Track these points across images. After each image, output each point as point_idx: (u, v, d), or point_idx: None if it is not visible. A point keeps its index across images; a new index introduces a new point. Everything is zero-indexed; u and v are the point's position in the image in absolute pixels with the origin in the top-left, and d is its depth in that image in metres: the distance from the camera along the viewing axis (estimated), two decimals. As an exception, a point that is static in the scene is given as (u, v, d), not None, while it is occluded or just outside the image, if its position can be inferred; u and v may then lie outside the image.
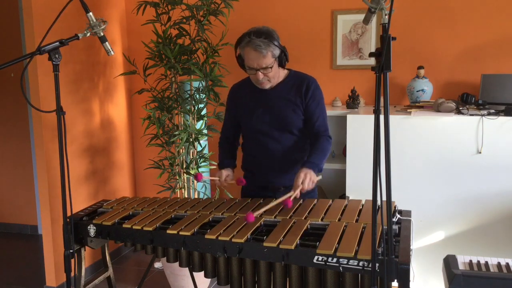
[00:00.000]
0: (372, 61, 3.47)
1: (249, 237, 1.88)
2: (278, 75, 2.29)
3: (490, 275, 1.80)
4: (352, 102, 3.37)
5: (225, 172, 2.37)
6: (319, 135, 2.32)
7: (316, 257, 1.72)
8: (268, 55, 2.16)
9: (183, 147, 3.32)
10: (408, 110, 3.12)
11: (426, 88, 3.29)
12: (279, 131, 2.34)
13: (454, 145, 2.91)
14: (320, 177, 2.24)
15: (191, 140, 3.32)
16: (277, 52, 2.19)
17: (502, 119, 2.82)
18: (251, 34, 2.15)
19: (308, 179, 2.13)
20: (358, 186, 3.10)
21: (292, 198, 2.09)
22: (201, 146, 3.47)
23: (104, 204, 2.47)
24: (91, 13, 1.95)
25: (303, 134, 2.38)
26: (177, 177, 3.38)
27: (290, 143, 2.35)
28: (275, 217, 2.07)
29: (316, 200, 2.28)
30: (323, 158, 2.27)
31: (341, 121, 3.47)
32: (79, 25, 3.36)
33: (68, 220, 2.06)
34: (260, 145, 2.38)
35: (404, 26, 3.42)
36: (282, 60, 2.24)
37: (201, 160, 3.42)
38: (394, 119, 2.98)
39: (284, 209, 2.12)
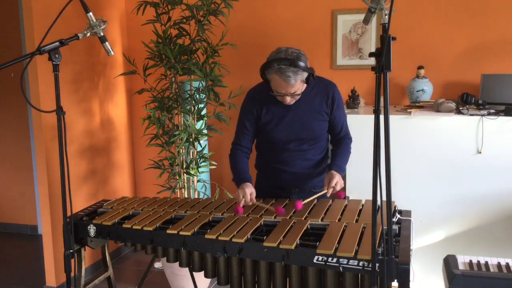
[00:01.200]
0: (372, 61, 3.47)
1: (249, 237, 1.88)
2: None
3: (490, 275, 1.80)
4: (352, 102, 3.37)
5: (249, 190, 2.19)
6: (342, 139, 2.39)
7: (316, 257, 1.72)
8: (297, 82, 2.13)
9: (183, 147, 3.32)
10: (408, 110, 3.12)
11: (426, 88, 3.29)
12: (302, 141, 2.32)
13: (454, 145, 2.91)
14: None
15: (191, 140, 3.32)
16: (305, 76, 2.16)
17: (502, 119, 2.82)
18: (280, 62, 2.08)
19: (339, 184, 2.19)
20: (358, 186, 3.10)
21: (328, 194, 2.18)
22: (201, 146, 3.47)
23: (104, 204, 2.47)
24: (91, 13, 1.95)
25: (323, 140, 2.39)
26: (177, 177, 3.38)
27: (309, 150, 2.34)
28: (275, 217, 2.07)
29: (316, 200, 2.28)
30: (346, 160, 2.35)
31: (341, 121, 3.47)
32: (79, 25, 3.35)
33: (68, 220, 2.06)
34: (278, 153, 2.35)
35: (404, 26, 3.42)
36: (308, 80, 2.19)
37: (201, 160, 3.42)
38: (394, 119, 2.98)
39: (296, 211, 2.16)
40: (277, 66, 2.09)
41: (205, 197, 3.54)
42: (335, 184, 2.17)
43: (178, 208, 2.31)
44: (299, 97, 2.23)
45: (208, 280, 3.46)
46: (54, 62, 1.90)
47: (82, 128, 3.59)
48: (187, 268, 2.10)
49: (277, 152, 2.36)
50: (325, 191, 2.18)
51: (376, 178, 1.46)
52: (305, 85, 2.21)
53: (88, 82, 3.64)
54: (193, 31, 3.31)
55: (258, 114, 2.33)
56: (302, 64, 2.10)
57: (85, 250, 2.36)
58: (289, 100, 2.20)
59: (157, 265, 3.81)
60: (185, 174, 3.38)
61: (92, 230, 2.22)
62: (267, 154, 2.42)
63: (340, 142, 2.39)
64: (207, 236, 1.92)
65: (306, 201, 2.20)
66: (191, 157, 3.41)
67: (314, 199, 2.24)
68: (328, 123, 2.35)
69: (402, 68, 3.43)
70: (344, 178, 3.13)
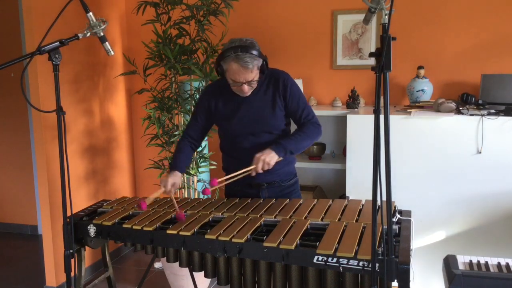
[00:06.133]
0: (372, 61, 3.47)
1: (249, 237, 1.88)
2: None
3: (490, 275, 1.80)
4: (352, 102, 3.37)
5: (171, 180, 2.22)
6: (304, 123, 2.34)
7: (316, 257, 1.72)
8: (254, 69, 2.17)
9: (183, 147, 3.31)
10: (408, 110, 3.12)
11: (426, 88, 3.29)
12: (259, 133, 2.33)
13: (454, 145, 2.91)
14: (281, 158, 2.23)
15: (191, 140, 3.31)
16: (260, 63, 2.19)
17: (502, 119, 2.82)
18: (237, 49, 2.13)
19: (262, 162, 2.16)
20: (358, 186, 3.10)
21: (252, 173, 2.18)
22: (201, 146, 3.47)
23: (104, 204, 2.47)
24: (91, 13, 1.95)
25: (283, 132, 2.37)
26: (177, 177, 3.37)
27: (266, 144, 2.31)
28: (275, 217, 2.07)
29: (316, 200, 2.28)
30: (297, 141, 2.27)
31: (341, 121, 3.47)
32: (79, 25, 3.35)
33: (68, 220, 2.06)
34: (240, 147, 2.36)
35: (404, 26, 3.42)
36: (263, 69, 2.23)
37: (201, 160, 3.42)
38: (394, 119, 2.98)
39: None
40: (234, 54, 2.13)
41: (205, 197, 3.54)
42: (259, 163, 2.15)
43: (178, 208, 2.30)
44: (255, 85, 2.25)
45: (208, 280, 3.46)
46: (54, 62, 1.90)
47: (82, 128, 3.59)
48: (187, 268, 2.10)
49: (236, 147, 2.38)
50: (247, 169, 2.18)
51: (376, 178, 1.46)
52: (259, 73, 2.24)
53: (88, 82, 3.64)
54: (193, 31, 3.31)
55: (211, 108, 2.38)
56: (256, 51, 2.15)
57: (85, 250, 2.36)
58: (246, 89, 2.22)
59: (157, 265, 3.81)
60: (185, 174, 3.38)
61: (92, 230, 2.22)
62: (230, 151, 2.44)
63: (299, 126, 2.36)
64: (207, 236, 1.92)
65: (222, 179, 2.23)
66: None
67: (235, 176, 2.22)
68: (284, 113, 2.34)
69: (402, 68, 3.43)
70: (343, 178, 3.15)
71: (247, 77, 2.17)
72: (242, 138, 2.35)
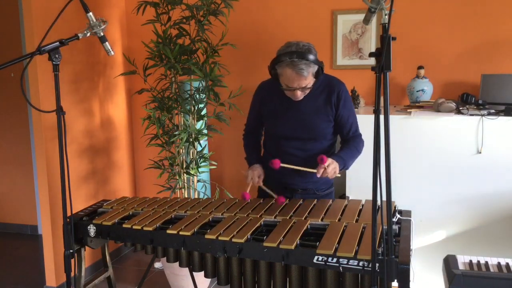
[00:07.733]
0: (372, 61, 3.47)
1: (249, 237, 1.89)
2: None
3: (490, 275, 1.80)
4: (352, 102, 3.37)
5: (257, 173, 2.32)
6: (351, 138, 2.34)
7: (316, 257, 1.72)
8: (309, 75, 2.14)
9: (183, 147, 3.32)
10: (408, 110, 3.12)
11: (426, 88, 3.29)
12: (304, 139, 2.30)
13: (454, 145, 2.91)
14: (339, 174, 2.25)
15: (191, 140, 3.32)
16: (316, 69, 2.16)
17: (502, 119, 2.82)
18: (293, 55, 2.08)
19: (332, 167, 2.14)
20: (358, 186, 3.10)
21: (318, 174, 2.14)
22: (201, 146, 3.47)
23: (104, 204, 2.47)
24: (91, 13, 1.96)
25: (328, 141, 2.35)
26: (177, 177, 3.38)
27: (313, 150, 2.31)
28: (275, 217, 2.08)
29: (316, 200, 2.28)
30: (352, 156, 2.28)
31: (341, 121, 3.46)
32: (79, 25, 3.35)
33: (68, 220, 2.06)
34: (281, 149, 2.34)
35: (404, 26, 3.42)
36: (318, 74, 2.20)
37: (201, 160, 3.42)
38: (394, 119, 2.98)
39: (275, 204, 2.22)
40: (289, 60, 2.09)
41: (205, 197, 3.54)
42: (328, 166, 2.12)
43: (178, 208, 2.31)
44: (309, 91, 2.23)
45: (208, 280, 3.46)
46: (54, 62, 1.90)
47: (82, 128, 3.59)
48: (187, 268, 2.10)
49: (279, 149, 2.35)
50: (313, 171, 2.14)
51: (376, 178, 1.46)
52: (314, 79, 2.21)
53: (88, 82, 3.64)
54: (193, 31, 3.30)
55: (262, 105, 2.38)
56: (313, 57, 2.11)
57: (85, 250, 2.36)
58: (299, 94, 2.20)
59: (157, 265, 3.81)
60: (185, 174, 3.38)
61: (92, 230, 2.22)
62: (271, 151, 2.42)
63: (349, 141, 2.34)
64: (207, 236, 1.92)
65: (285, 165, 2.20)
66: (191, 157, 3.41)
67: (297, 169, 2.21)
68: (333, 124, 2.31)
69: (402, 68, 3.43)
70: (343, 178, 3.15)
71: (301, 83, 2.15)
72: (287, 141, 2.32)
